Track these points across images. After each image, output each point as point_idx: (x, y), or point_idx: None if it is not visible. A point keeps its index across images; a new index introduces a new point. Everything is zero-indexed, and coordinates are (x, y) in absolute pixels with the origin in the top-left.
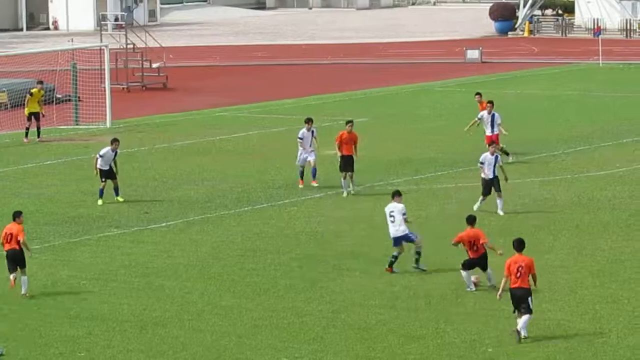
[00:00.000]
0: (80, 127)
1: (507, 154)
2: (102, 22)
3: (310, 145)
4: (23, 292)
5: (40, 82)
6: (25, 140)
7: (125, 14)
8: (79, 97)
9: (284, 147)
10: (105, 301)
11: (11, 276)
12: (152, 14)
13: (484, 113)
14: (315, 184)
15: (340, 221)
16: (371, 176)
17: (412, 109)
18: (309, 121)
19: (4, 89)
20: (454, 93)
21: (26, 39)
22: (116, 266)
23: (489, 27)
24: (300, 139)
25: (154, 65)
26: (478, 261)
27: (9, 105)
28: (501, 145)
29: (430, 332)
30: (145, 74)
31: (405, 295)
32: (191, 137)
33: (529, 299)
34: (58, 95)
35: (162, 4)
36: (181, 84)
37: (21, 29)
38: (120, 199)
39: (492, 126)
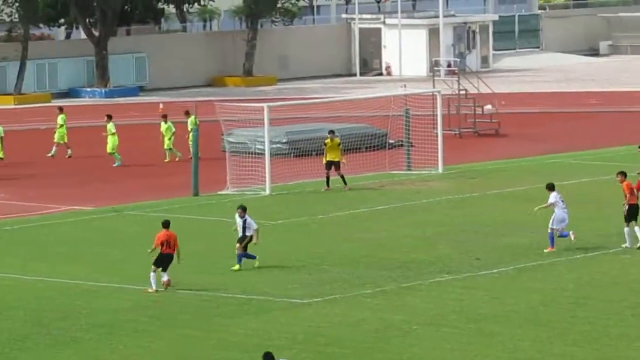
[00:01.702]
0: (412, 172)
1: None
2: (435, 68)
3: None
4: (165, 279)
5: (332, 132)
6: (323, 189)
7: (458, 60)
8: (411, 143)
9: (616, 195)
10: (436, 347)
11: (163, 276)
12: (484, 60)
13: None
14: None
15: None
16: None
17: None
18: (549, 188)
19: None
20: None
21: (359, 84)
22: (447, 311)
23: None
24: (552, 203)
25: (486, 111)
26: None
27: None
28: None
29: None
30: (477, 120)
31: None
32: (522, 184)
33: None
34: (390, 141)
35: (494, 50)
36: (513, 130)
37: (354, 75)
38: (235, 268)
39: None
